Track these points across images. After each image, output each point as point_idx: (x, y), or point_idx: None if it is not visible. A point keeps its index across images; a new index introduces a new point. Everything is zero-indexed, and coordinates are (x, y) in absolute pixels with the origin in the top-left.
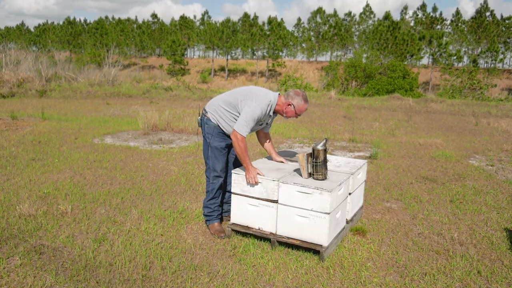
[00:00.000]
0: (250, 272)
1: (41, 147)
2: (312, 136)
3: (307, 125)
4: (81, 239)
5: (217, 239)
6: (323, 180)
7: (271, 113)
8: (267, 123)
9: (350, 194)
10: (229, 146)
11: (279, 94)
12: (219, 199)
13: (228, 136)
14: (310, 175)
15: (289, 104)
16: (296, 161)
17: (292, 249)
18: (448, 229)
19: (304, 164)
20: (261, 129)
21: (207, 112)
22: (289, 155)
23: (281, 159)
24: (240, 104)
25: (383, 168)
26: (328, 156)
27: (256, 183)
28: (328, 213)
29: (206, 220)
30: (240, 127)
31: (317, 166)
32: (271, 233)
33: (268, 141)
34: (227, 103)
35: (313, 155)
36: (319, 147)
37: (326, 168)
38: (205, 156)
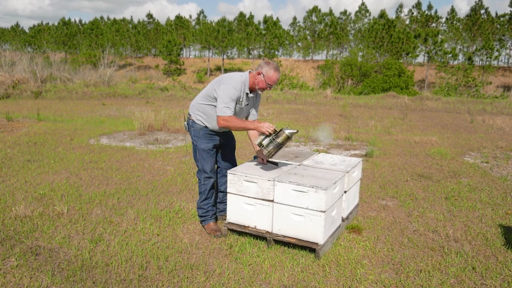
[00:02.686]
0: (246, 271)
1: (36, 148)
2: (308, 135)
3: (303, 124)
4: (77, 239)
5: (213, 238)
6: (266, 157)
7: (247, 91)
8: (252, 108)
9: (345, 192)
10: (217, 147)
11: (249, 71)
12: (212, 199)
13: (216, 134)
14: (261, 145)
15: (259, 73)
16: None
17: (288, 248)
18: (443, 226)
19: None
20: (248, 118)
21: (190, 115)
22: (286, 154)
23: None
24: (215, 93)
25: (378, 166)
26: (323, 154)
27: (274, 130)
28: (324, 211)
29: (202, 221)
30: (222, 110)
31: (271, 143)
32: (267, 232)
33: (254, 134)
34: (204, 96)
35: (277, 133)
36: (286, 131)
37: (275, 151)
38: (194, 158)
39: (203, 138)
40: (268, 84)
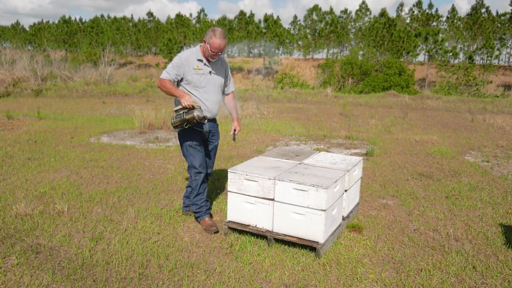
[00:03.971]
0: (247, 269)
1: (37, 147)
2: (309, 134)
3: (303, 122)
4: (77, 238)
5: (212, 235)
6: (171, 125)
7: (199, 58)
8: (225, 79)
9: (346, 191)
10: (204, 142)
11: (200, 45)
12: (205, 194)
13: (201, 129)
14: (175, 112)
15: (204, 42)
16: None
17: (289, 247)
18: (444, 225)
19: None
20: (223, 94)
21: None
22: (286, 153)
23: (236, 125)
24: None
25: (379, 165)
26: (324, 153)
27: (191, 106)
28: (324, 210)
29: (196, 217)
30: (162, 73)
31: (180, 115)
32: (267, 230)
33: (231, 103)
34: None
35: (189, 110)
36: (195, 112)
37: (179, 124)
38: (184, 156)
39: (187, 134)
40: (212, 51)
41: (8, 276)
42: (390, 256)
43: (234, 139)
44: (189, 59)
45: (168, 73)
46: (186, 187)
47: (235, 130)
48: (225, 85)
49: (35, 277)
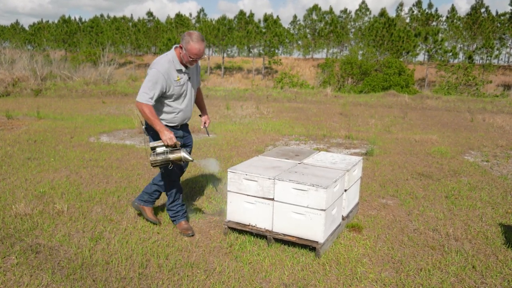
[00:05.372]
0: (247, 269)
1: (36, 146)
2: (308, 133)
3: (303, 122)
4: (77, 238)
5: (212, 235)
6: (151, 162)
7: (179, 68)
8: (193, 81)
9: (345, 190)
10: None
11: (175, 47)
12: (180, 199)
13: (175, 131)
14: (153, 149)
15: (181, 47)
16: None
17: (288, 246)
18: (444, 225)
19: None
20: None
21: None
22: (286, 153)
23: (206, 118)
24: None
25: (379, 164)
26: (324, 153)
27: (174, 144)
28: (324, 210)
29: (173, 221)
30: (139, 96)
31: (163, 154)
32: (267, 230)
33: (199, 97)
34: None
35: (174, 149)
36: (183, 153)
37: (161, 163)
38: None
39: (159, 139)
40: (191, 57)
41: (7, 276)
42: (389, 256)
43: (208, 133)
44: (169, 73)
45: (150, 96)
46: (151, 184)
47: (205, 123)
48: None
49: (35, 276)
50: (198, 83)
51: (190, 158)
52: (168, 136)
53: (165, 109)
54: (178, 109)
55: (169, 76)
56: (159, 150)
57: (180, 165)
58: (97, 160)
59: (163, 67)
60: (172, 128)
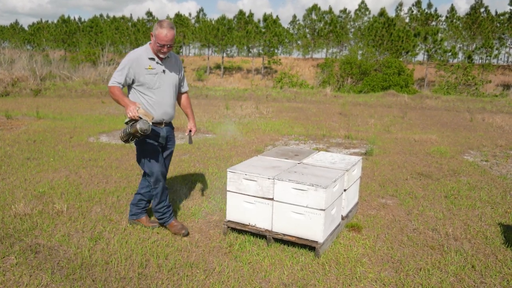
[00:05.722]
0: (246, 269)
1: (36, 146)
2: (308, 133)
3: (302, 122)
4: (77, 238)
5: (211, 235)
6: (119, 137)
7: (150, 56)
8: (179, 77)
9: (345, 190)
10: (161, 146)
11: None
12: (167, 201)
13: (158, 130)
14: (126, 123)
15: (152, 36)
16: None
17: (288, 246)
18: (443, 225)
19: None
20: (179, 92)
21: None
22: (285, 152)
23: (191, 125)
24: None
25: (378, 164)
26: (323, 153)
27: (136, 117)
28: (324, 210)
29: (162, 223)
30: (109, 81)
31: (126, 128)
32: (266, 230)
33: (186, 102)
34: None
35: (133, 123)
36: (138, 125)
37: (125, 137)
38: (138, 163)
39: (148, 136)
40: (158, 44)
41: (7, 276)
42: (389, 256)
43: (190, 141)
44: (139, 59)
45: (117, 80)
46: (135, 194)
47: (190, 130)
48: (182, 84)
49: (34, 276)
50: (180, 82)
51: (146, 127)
52: (130, 108)
53: (140, 99)
54: (153, 100)
55: (139, 62)
56: (126, 124)
57: (138, 138)
58: (96, 160)
59: (134, 53)
60: (155, 126)
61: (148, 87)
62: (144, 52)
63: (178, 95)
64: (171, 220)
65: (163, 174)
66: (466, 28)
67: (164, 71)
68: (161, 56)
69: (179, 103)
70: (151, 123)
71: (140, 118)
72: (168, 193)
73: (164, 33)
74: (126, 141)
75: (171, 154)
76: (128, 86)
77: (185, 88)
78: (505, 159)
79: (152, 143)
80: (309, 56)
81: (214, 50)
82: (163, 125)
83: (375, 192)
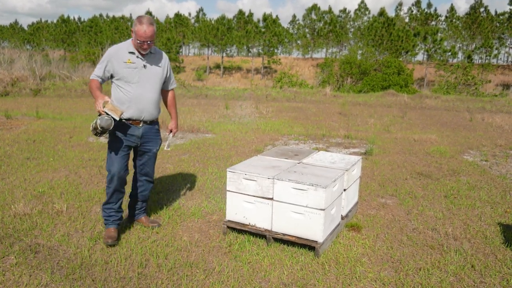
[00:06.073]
0: (246, 268)
1: (35, 146)
2: (308, 133)
3: (302, 121)
4: (76, 237)
5: (211, 234)
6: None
7: (130, 50)
8: (165, 74)
9: (345, 190)
10: (130, 148)
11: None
12: (117, 205)
13: (133, 131)
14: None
15: (132, 33)
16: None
17: (288, 246)
18: (443, 224)
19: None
20: (163, 89)
21: None
22: (285, 152)
23: (173, 125)
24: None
25: (378, 164)
26: (323, 152)
27: (102, 112)
28: (323, 209)
29: (104, 223)
30: (91, 75)
31: (94, 122)
32: (266, 230)
33: (171, 101)
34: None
35: (97, 118)
36: (99, 121)
37: (93, 131)
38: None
39: (113, 134)
40: (138, 41)
41: (7, 275)
42: (389, 255)
43: (168, 146)
44: (118, 53)
45: (96, 73)
46: (129, 196)
47: (171, 130)
48: (165, 80)
49: (34, 276)
50: (166, 79)
51: (106, 123)
52: (97, 102)
53: (119, 94)
54: (131, 94)
55: (118, 55)
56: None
57: (102, 133)
58: (96, 159)
59: (114, 48)
60: (131, 124)
61: (126, 81)
62: (124, 46)
63: (164, 92)
64: (112, 226)
65: (120, 176)
66: (466, 28)
67: (145, 66)
68: (142, 52)
69: (165, 102)
70: (117, 119)
71: (106, 113)
72: (123, 201)
73: (143, 29)
74: (95, 134)
75: (153, 156)
76: (111, 80)
77: (171, 85)
78: (504, 159)
79: (120, 140)
80: (308, 56)
81: (213, 50)
82: (141, 124)
83: (375, 192)
